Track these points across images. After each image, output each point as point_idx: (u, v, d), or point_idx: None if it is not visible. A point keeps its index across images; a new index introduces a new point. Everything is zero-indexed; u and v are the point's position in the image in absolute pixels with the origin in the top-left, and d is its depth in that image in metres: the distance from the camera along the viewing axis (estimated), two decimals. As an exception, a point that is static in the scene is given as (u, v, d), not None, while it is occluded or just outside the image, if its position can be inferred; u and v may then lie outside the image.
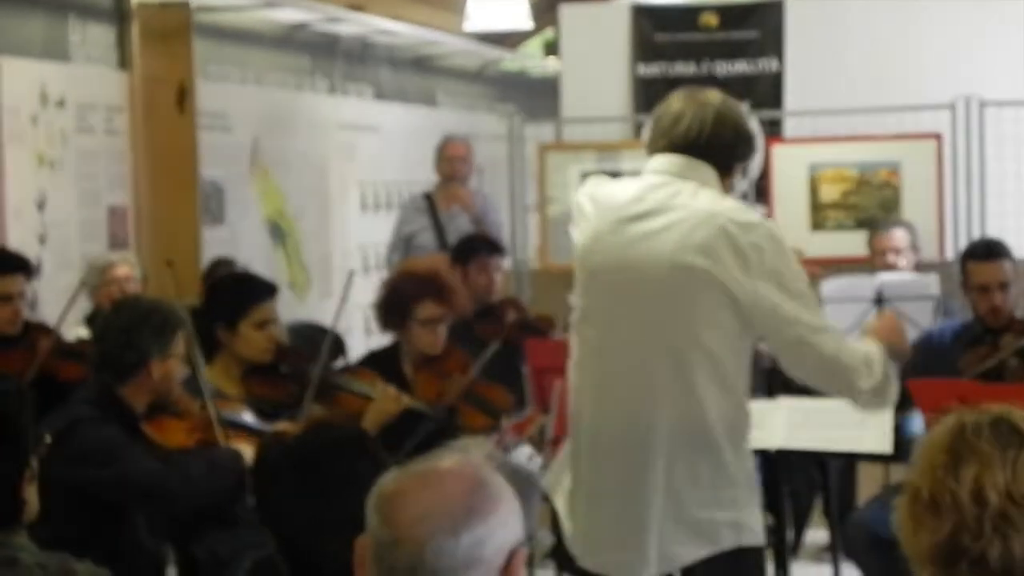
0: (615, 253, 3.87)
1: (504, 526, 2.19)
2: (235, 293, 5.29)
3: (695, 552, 3.82)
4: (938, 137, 8.32)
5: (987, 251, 6.05)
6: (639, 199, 3.87)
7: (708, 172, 3.90)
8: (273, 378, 5.24)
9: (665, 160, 3.92)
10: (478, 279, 6.92)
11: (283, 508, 3.05)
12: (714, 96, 3.98)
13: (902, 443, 5.11)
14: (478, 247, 7.08)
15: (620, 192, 3.93)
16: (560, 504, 4.05)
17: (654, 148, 3.96)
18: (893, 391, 3.86)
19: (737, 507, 3.83)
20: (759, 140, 4.03)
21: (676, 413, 3.79)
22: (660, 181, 3.89)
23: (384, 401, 5.22)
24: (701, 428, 3.79)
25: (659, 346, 3.81)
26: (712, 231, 3.77)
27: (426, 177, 8.69)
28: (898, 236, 7.40)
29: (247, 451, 4.58)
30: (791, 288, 3.77)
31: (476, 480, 2.20)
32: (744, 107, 9.11)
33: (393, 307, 5.61)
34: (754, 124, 4.02)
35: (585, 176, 8.67)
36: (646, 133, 4.01)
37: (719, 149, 3.92)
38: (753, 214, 3.93)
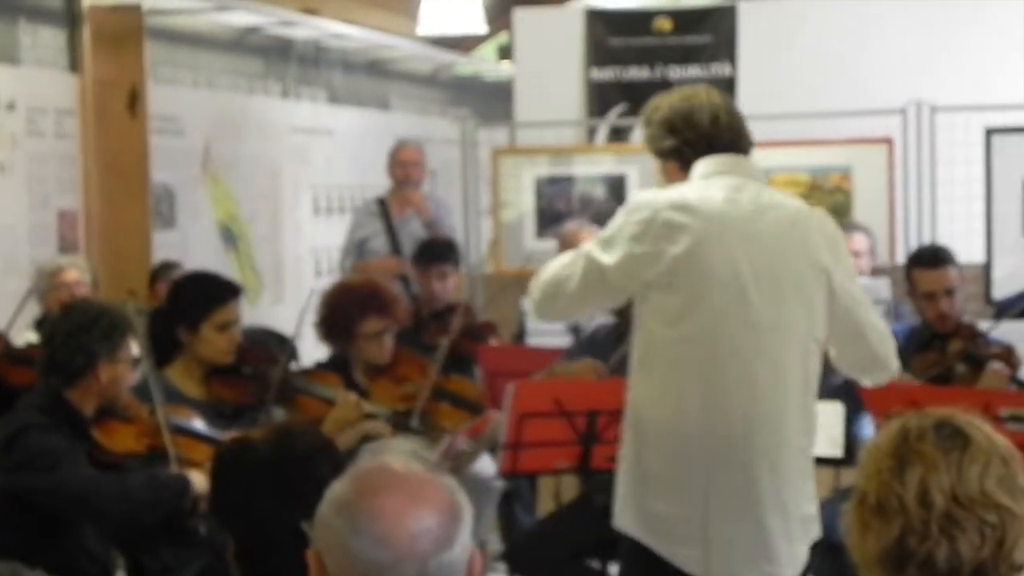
0: (735, 256, 3.77)
1: (469, 527, 2.21)
2: (197, 294, 5.21)
3: (805, 548, 3.83)
4: (889, 142, 8.36)
5: (932, 258, 6.08)
6: (733, 201, 3.81)
7: (757, 168, 3.95)
8: (235, 380, 5.20)
9: (727, 160, 3.88)
10: (437, 285, 6.92)
11: (248, 514, 3.03)
12: (715, 92, 4.01)
13: (852, 447, 5.13)
14: (439, 253, 7.06)
15: (712, 197, 3.81)
16: (664, 531, 3.84)
17: (701, 149, 3.89)
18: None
19: (814, 500, 3.86)
20: None
21: (800, 412, 3.80)
22: (737, 182, 3.85)
23: (344, 408, 5.19)
24: (807, 424, 3.84)
25: (792, 345, 3.79)
26: (815, 227, 3.86)
27: (379, 181, 8.66)
28: (858, 240, 7.42)
29: (199, 479, 4.52)
30: (852, 270, 3.97)
31: (447, 486, 2.20)
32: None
33: (336, 326, 5.51)
34: None
35: (539, 180, 8.69)
36: (639, 134, 4.01)
37: (747, 144, 3.96)
38: None
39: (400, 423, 5.32)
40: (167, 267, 7.56)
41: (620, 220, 3.87)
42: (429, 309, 6.92)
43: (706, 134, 3.87)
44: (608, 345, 5.48)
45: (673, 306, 3.78)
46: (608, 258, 3.84)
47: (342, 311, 5.50)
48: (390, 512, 2.15)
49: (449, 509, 2.18)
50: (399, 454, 2.23)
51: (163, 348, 5.12)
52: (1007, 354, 5.95)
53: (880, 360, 3.92)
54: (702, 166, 3.87)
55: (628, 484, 3.87)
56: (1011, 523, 2.25)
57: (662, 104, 3.96)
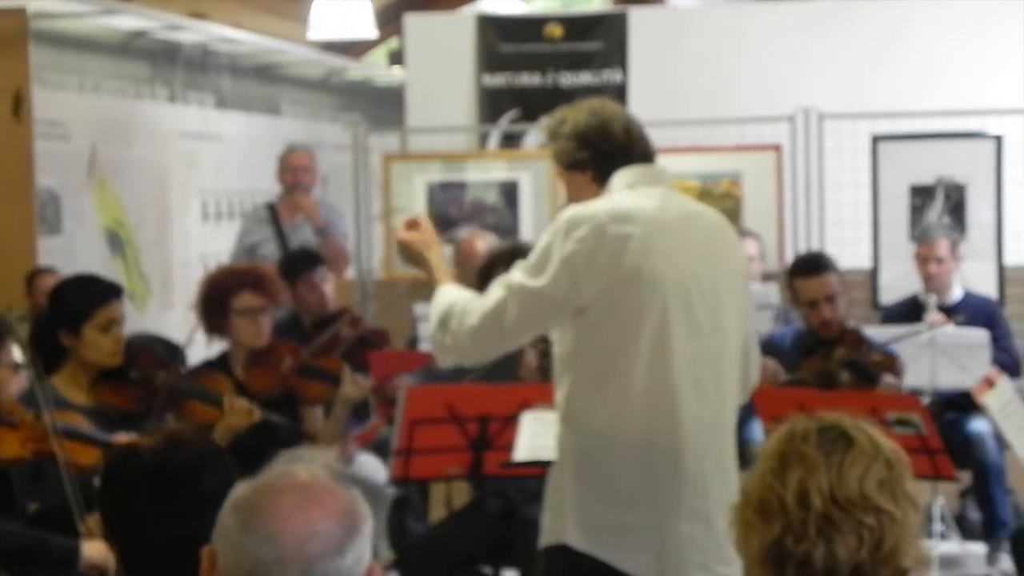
0: (676, 263, 3.77)
1: (369, 542, 2.19)
2: (77, 297, 5.12)
3: None
4: (778, 149, 8.44)
5: (811, 266, 6.14)
6: (664, 210, 3.82)
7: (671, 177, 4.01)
8: (122, 385, 5.14)
9: (648, 170, 3.90)
10: (310, 297, 6.85)
11: (137, 522, 2.98)
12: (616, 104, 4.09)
13: (744, 451, 5.16)
14: (300, 265, 7.00)
15: (645, 207, 3.80)
16: (613, 541, 3.79)
17: (618, 160, 3.88)
18: None
19: None
20: None
21: (736, 413, 3.90)
22: (661, 192, 3.87)
23: (234, 415, 5.15)
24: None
25: (731, 349, 3.85)
26: (734, 234, 4.04)
27: (269, 187, 8.59)
28: (748, 245, 7.48)
29: (95, 549, 4.38)
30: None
31: (348, 497, 2.19)
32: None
33: (211, 301, 5.54)
34: None
35: (431, 186, 8.66)
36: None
37: (654, 153, 3.99)
38: None
39: (294, 429, 5.34)
40: (42, 272, 7.48)
41: (554, 240, 3.77)
42: (312, 319, 6.86)
43: (622, 145, 3.87)
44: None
45: (619, 314, 3.76)
46: (546, 282, 3.75)
47: (218, 286, 5.57)
48: (281, 512, 2.14)
49: (344, 518, 2.16)
50: (310, 463, 2.23)
51: (49, 356, 5.03)
52: (891, 362, 6.02)
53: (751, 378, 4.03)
54: (624, 177, 3.85)
55: (570, 495, 3.80)
56: (890, 526, 2.26)
57: (568, 117, 3.93)
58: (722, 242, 3.91)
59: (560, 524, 3.81)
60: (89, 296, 5.10)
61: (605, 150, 3.87)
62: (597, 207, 3.80)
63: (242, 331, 5.50)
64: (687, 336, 3.77)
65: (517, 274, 3.81)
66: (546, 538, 3.85)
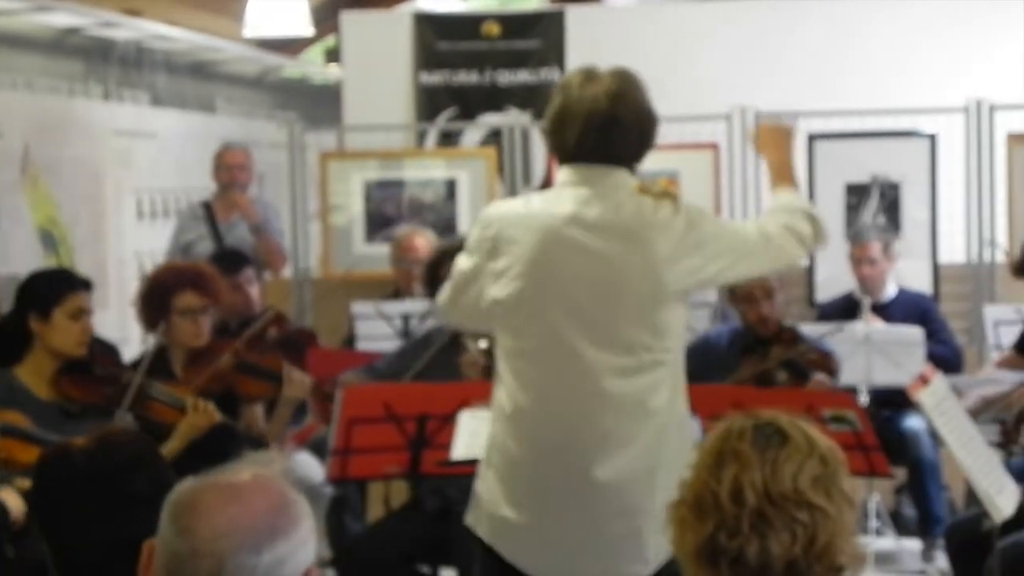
0: (570, 271, 3.73)
1: (303, 546, 2.17)
2: (48, 282, 5.18)
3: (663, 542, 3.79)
4: (715, 147, 8.46)
5: None
6: (577, 215, 3.75)
7: (622, 179, 3.85)
8: (86, 379, 5.13)
9: (585, 171, 3.79)
10: (235, 298, 6.79)
11: (68, 524, 2.95)
12: (610, 91, 3.85)
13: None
14: (224, 266, 6.92)
15: (555, 211, 3.76)
16: (505, 537, 3.79)
17: (565, 154, 3.82)
18: None
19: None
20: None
21: (644, 420, 3.77)
22: (588, 195, 3.77)
23: (197, 416, 5.17)
24: (655, 430, 3.80)
25: (630, 358, 3.76)
26: (671, 239, 3.80)
27: (204, 185, 8.53)
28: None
29: (13, 501, 4.40)
30: (725, 245, 3.92)
31: (280, 498, 2.17)
32: (527, 117, 9.19)
33: (153, 298, 5.52)
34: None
35: (368, 184, 8.63)
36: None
37: (625, 152, 3.85)
38: None
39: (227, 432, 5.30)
40: None
41: (475, 232, 3.83)
42: (237, 320, 6.81)
43: (573, 141, 3.76)
44: (443, 356, 5.46)
45: (513, 319, 3.76)
46: (466, 267, 3.83)
47: (161, 283, 5.56)
48: (202, 507, 2.14)
49: (269, 518, 2.15)
50: (265, 465, 2.23)
51: (12, 349, 5.02)
52: (825, 360, 6.06)
53: (804, 248, 3.96)
54: (562, 174, 3.82)
55: (481, 484, 3.84)
56: (824, 523, 2.27)
57: (555, 97, 3.82)
58: (633, 252, 3.71)
59: (474, 513, 3.83)
60: (60, 282, 5.17)
61: (558, 142, 3.82)
62: (508, 206, 3.85)
63: (182, 330, 5.48)
64: (576, 344, 3.71)
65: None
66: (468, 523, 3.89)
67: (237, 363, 5.50)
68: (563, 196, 3.76)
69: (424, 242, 7.27)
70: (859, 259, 7.24)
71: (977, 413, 5.29)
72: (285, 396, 5.55)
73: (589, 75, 3.78)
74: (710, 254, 3.76)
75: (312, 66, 14.55)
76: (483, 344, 5.11)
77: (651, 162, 9.05)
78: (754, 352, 6.03)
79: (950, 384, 4.97)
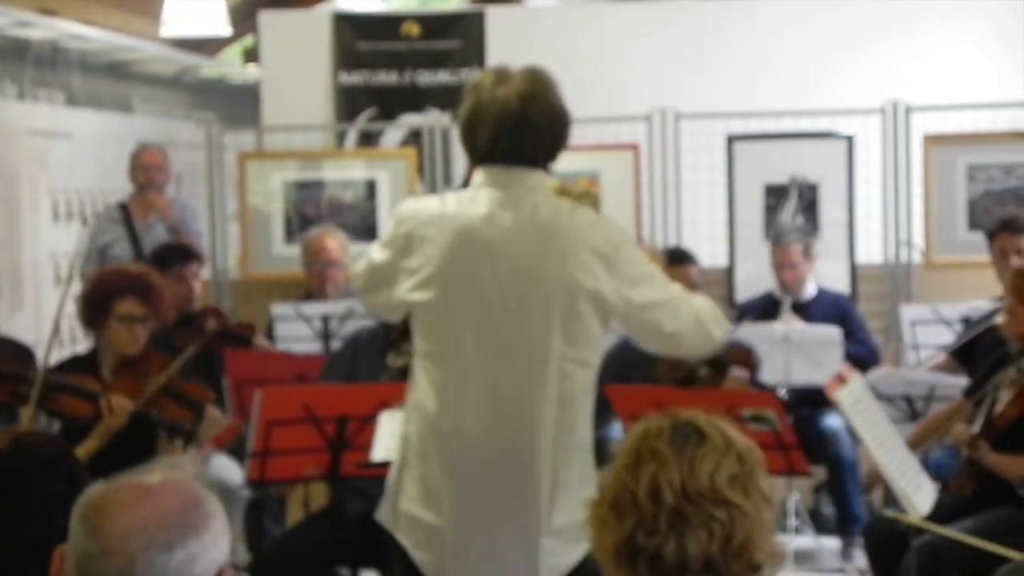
0: (480, 274, 3.70)
1: (215, 545, 2.16)
2: None
3: (573, 557, 3.74)
4: (635, 148, 8.48)
5: (673, 257, 6.26)
6: (492, 217, 3.73)
7: (538, 181, 3.81)
8: None
9: (500, 173, 3.76)
10: (176, 289, 6.74)
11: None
12: (520, 91, 3.79)
13: (603, 450, 5.17)
14: (172, 256, 6.91)
15: (469, 213, 3.73)
16: (417, 537, 3.76)
17: (478, 156, 3.78)
18: None
19: (572, 512, 3.68)
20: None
21: (554, 430, 3.71)
22: (503, 197, 3.75)
23: (112, 417, 5.18)
24: (565, 442, 3.74)
25: (542, 365, 3.70)
26: (584, 245, 3.74)
27: (121, 186, 8.44)
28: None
29: None
30: (641, 275, 3.86)
31: (191, 496, 2.17)
32: (447, 117, 9.15)
33: (95, 300, 5.49)
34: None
35: (287, 185, 8.58)
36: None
37: (541, 152, 3.82)
38: None
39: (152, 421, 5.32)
40: None
41: (390, 228, 3.81)
42: (176, 314, 6.75)
43: (484, 143, 3.72)
44: (372, 353, 5.43)
45: (424, 321, 3.74)
46: (380, 260, 3.80)
47: (104, 286, 5.51)
48: (112, 506, 2.14)
49: (180, 516, 2.14)
50: (181, 468, 2.23)
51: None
52: (747, 356, 6.09)
53: (699, 343, 3.88)
54: (477, 176, 3.78)
55: (394, 483, 3.82)
56: (741, 521, 2.27)
57: (467, 98, 3.78)
58: (548, 256, 3.67)
59: (388, 511, 3.81)
60: None
61: (470, 146, 3.79)
62: (423, 205, 3.81)
63: (118, 336, 5.44)
64: (483, 349, 3.68)
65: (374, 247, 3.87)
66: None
67: (164, 386, 5.42)
68: (478, 197, 3.73)
69: (335, 244, 7.22)
70: (780, 263, 7.28)
71: (916, 445, 5.34)
72: (201, 432, 5.45)
73: (500, 75, 3.75)
74: (625, 277, 3.72)
75: (230, 66, 14.45)
76: None
77: (571, 162, 9.13)
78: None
79: (868, 382, 5.01)
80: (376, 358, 5.38)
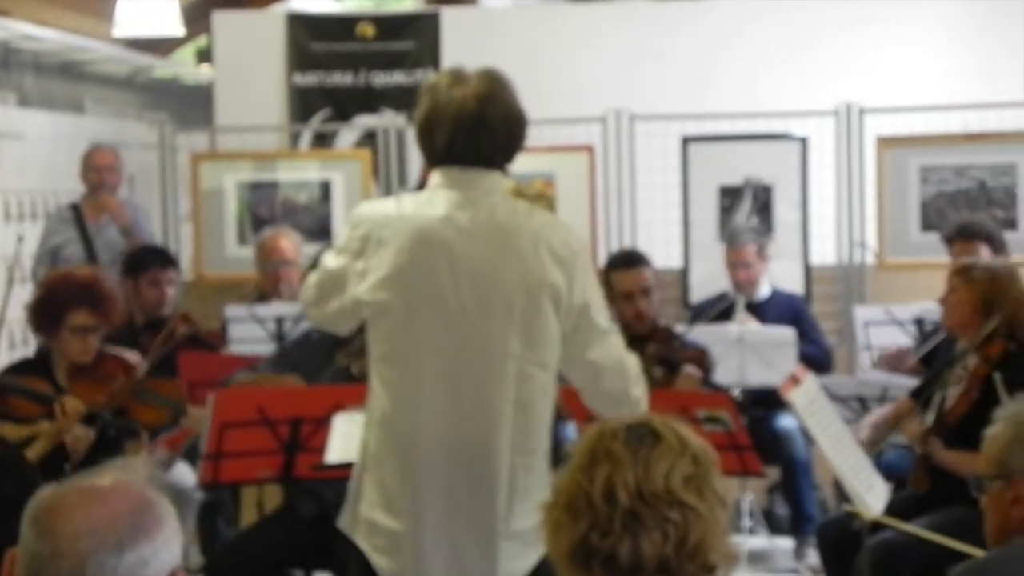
0: (440, 276, 3.67)
1: (167, 547, 2.16)
2: None
3: (530, 561, 3.73)
4: (590, 149, 8.49)
5: (627, 260, 6.26)
6: (450, 218, 3.71)
7: (496, 182, 3.79)
8: None
9: (458, 174, 3.74)
10: (149, 293, 6.69)
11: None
12: (479, 91, 3.77)
13: (558, 451, 5.17)
14: (150, 260, 6.84)
15: (427, 214, 3.71)
16: (377, 542, 3.74)
17: (435, 157, 3.75)
18: None
19: (533, 516, 3.72)
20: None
21: (514, 433, 3.69)
22: (462, 198, 3.73)
23: (65, 420, 5.15)
24: (526, 445, 3.73)
25: (502, 367, 3.68)
26: (543, 247, 3.71)
27: (73, 187, 8.39)
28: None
29: None
30: (592, 295, 3.81)
31: (142, 499, 2.17)
32: (402, 118, 9.13)
33: (46, 311, 5.45)
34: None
35: (241, 186, 8.54)
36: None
37: (498, 154, 3.79)
38: None
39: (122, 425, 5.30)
40: None
41: (345, 231, 3.78)
42: (146, 318, 6.71)
43: (442, 144, 3.70)
44: (321, 351, 5.41)
45: (380, 324, 3.72)
46: (333, 267, 3.77)
47: (56, 296, 5.45)
48: (62, 508, 2.14)
49: (131, 518, 2.14)
50: (133, 470, 2.22)
51: None
52: (700, 357, 6.11)
53: (612, 389, 3.81)
54: (435, 177, 3.76)
55: (355, 489, 3.80)
56: (696, 522, 2.28)
57: (423, 99, 3.76)
58: (507, 257, 3.66)
59: (349, 517, 3.80)
60: None
61: (427, 146, 3.78)
62: (380, 207, 3.79)
63: (70, 346, 5.41)
64: (444, 351, 3.66)
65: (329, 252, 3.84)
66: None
67: (133, 387, 5.39)
68: (435, 199, 3.73)
69: (289, 244, 7.19)
70: (735, 263, 7.31)
71: (874, 443, 5.37)
72: (56, 428, 5.30)
73: (456, 77, 3.75)
74: (575, 290, 3.71)
75: (183, 66, 14.38)
76: None
77: (527, 164, 9.11)
78: (630, 350, 6.05)
79: (822, 384, 5.03)
80: (324, 356, 5.36)
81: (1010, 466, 3.25)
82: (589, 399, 3.86)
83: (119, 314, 5.69)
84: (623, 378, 3.80)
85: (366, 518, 3.75)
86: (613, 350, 3.81)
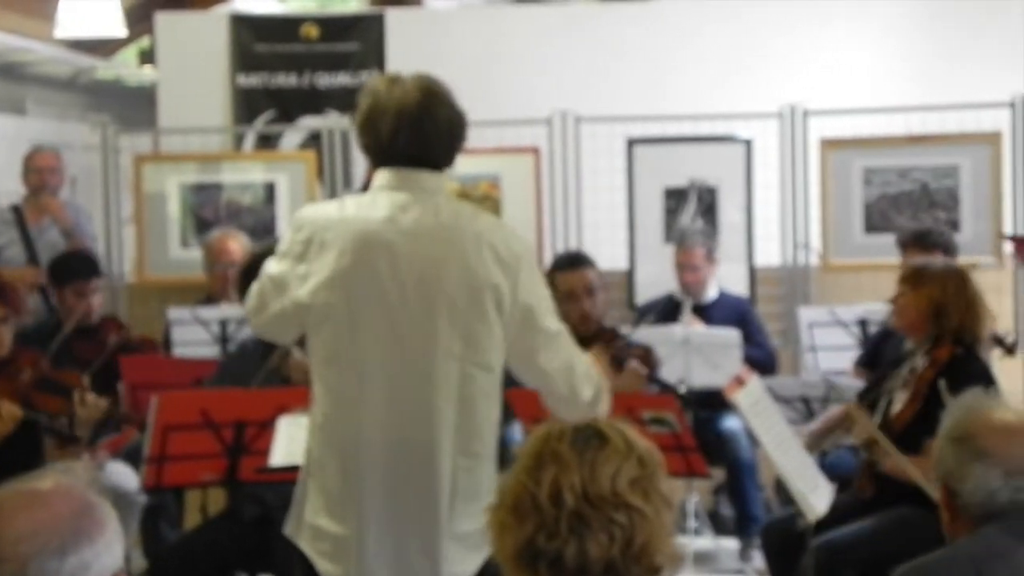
0: (382, 278, 3.67)
1: (108, 551, 2.16)
2: None
3: (474, 564, 3.72)
4: (536, 151, 8.49)
5: (571, 261, 6.27)
6: (393, 220, 3.70)
7: (439, 183, 3.80)
8: None
9: (401, 175, 3.74)
10: (76, 304, 6.61)
11: None
12: (421, 91, 3.79)
13: (504, 453, 5.16)
14: (74, 271, 6.73)
15: (370, 216, 3.71)
16: (321, 547, 3.73)
17: (378, 155, 3.77)
18: None
19: (476, 518, 3.68)
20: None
21: (456, 434, 3.68)
22: (405, 200, 3.73)
23: (2, 421, 5.10)
24: (468, 446, 3.71)
25: (445, 368, 3.67)
26: (486, 249, 3.72)
27: (14, 188, 8.31)
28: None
29: None
30: (537, 296, 3.82)
31: (84, 502, 2.17)
32: (347, 120, 9.10)
33: None
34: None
35: (184, 187, 8.49)
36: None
37: (442, 154, 3.80)
38: None
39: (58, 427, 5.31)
40: None
41: (287, 235, 3.77)
42: (76, 325, 6.64)
43: (386, 142, 3.71)
44: (255, 357, 5.38)
45: (324, 327, 3.70)
46: (276, 269, 3.75)
47: None
48: (3, 511, 2.14)
49: (73, 522, 2.13)
50: (72, 473, 2.22)
51: None
52: (646, 355, 6.11)
53: (565, 393, 3.80)
54: (378, 178, 3.77)
55: (300, 494, 3.78)
56: (642, 524, 2.28)
57: (364, 100, 3.77)
58: (451, 258, 3.66)
59: (294, 522, 3.78)
60: None
61: (369, 142, 3.77)
62: (323, 209, 3.78)
63: None
64: (387, 352, 3.66)
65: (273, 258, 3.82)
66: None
67: (36, 379, 5.36)
68: (378, 200, 3.73)
69: (238, 246, 7.16)
70: (683, 265, 7.33)
71: (814, 446, 5.38)
72: (79, 418, 5.39)
73: (394, 80, 3.78)
74: (520, 293, 3.71)
75: (126, 68, 14.28)
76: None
77: (472, 165, 9.11)
78: (578, 351, 6.05)
79: (767, 386, 5.05)
80: (258, 360, 5.34)
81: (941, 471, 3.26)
82: (546, 402, 3.87)
83: (26, 304, 5.66)
84: (573, 380, 3.80)
85: (310, 523, 3.74)
86: (562, 353, 3.80)
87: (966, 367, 5.05)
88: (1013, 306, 7.90)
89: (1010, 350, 5.31)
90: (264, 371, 5.18)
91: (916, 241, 6.74)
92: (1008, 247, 7.59)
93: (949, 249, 6.72)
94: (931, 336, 5.15)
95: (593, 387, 3.83)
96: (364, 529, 3.69)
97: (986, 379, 4.94)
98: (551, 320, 3.80)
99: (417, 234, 3.68)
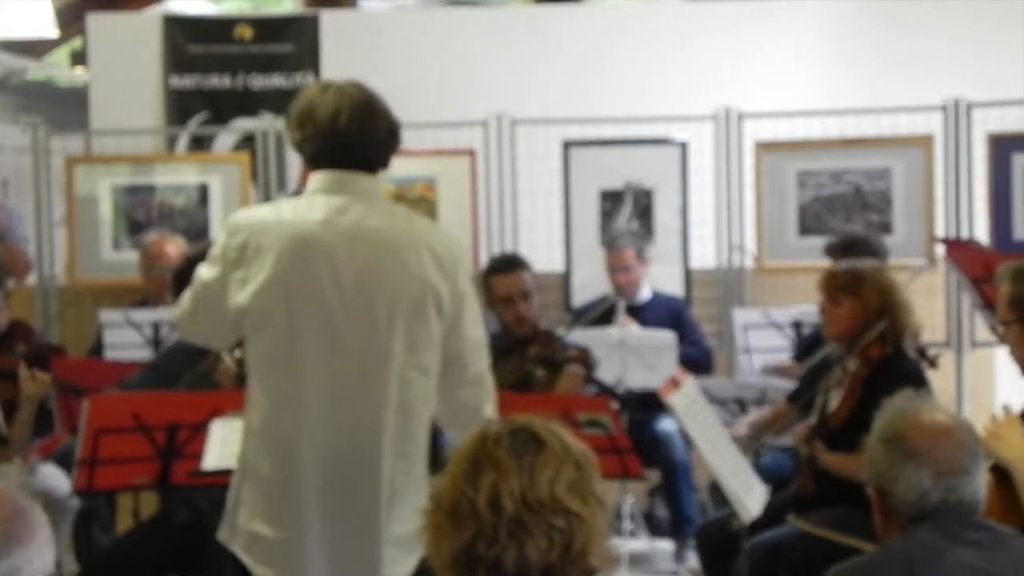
0: (320, 281, 3.67)
1: (40, 556, 2.14)
2: None
3: (409, 566, 3.71)
4: (472, 153, 8.48)
5: (506, 264, 6.27)
6: (330, 223, 3.70)
7: (375, 186, 3.81)
8: None
9: (337, 177, 3.74)
10: None
11: None
12: (357, 95, 3.85)
13: (438, 456, 5.14)
14: None
15: (307, 219, 3.70)
16: (256, 552, 3.71)
17: (314, 154, 3.76)
18: None
19: (410, 520, 3.64)
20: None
21: (394, 438, 3.68)
22: (341, 203, 3.72)
23: None
24: (404, 450, 3.71)
25: (385, 372, 3.67)
26: (424, 252, 3.74)
27: (-57, 190, 8.22)
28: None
29: None
30: (469, 303, 3.84)
31: (14, 507, 2.14)
32: (281, 122, 9.05)
33: None
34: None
35: (117, 189, 8.42)
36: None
37: (378, 156, 3.82)
38: None
39: None
40: None
41: (221, 240, 3.74)
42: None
43: (320, 145, 3.72)
44: (185, 357, 5.34)
45: (260, 331, 3.68)
46: (208, 275, 3.73)
47: None
48: None
49: (3, 526, 2.11)
50: (9, 478, 2.18)
51: None
52: (583, 356, 6.13)
53: (472, 405, 3.82)
54: (313, 181, 3.76)
55: (233, 499, 3.76)
56: (579, 527, 2.28)
57: (297, 105, 3.78)
58: (389, 261, 3.66)
59: (228, 527, 3.76)
60: None
61: (299, 138, 3.76)
62: (258, 213, 3.77)
63: None
64: (325, 356, 3.64)
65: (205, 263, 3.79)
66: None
67: None
68: (315, 203, 3.71)
69: (174, 249, 7.12)
70: (614, 267, 7.36)
71: (750, 440, 5.40)
72: (25, 394, 5.39)
73: (326, 86, 3.80)
74: (456, 298, 3.73)
75: (58, 69, 14.17)
76: (237, 353, 5.02)
77: (408, 168, 9.08)
78: (512, 354, 6.05)
79: (702, 387, 5.06)
80: (188, 361, 5.30)
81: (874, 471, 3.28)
82: (445, 408, 3.84)
83: None
84: (482, 394, 3.83)
85: (245, 529, 3.71)
86: (482, 363, 3.83)
87: (897, 366, 5.09)
88: (945, 308, 7.97)
89: (932, 363, 5.34)
90: (194, 373, 5.14)
91: (845, 251, 6.73)
92: (940, 250, 7.65)
93: (879, 255, 6.73)
94: (867, 339, 5.15)
95: (493, 405, 3.85)
96: (301, 533, 3.67)
97: (917, 378, 4.97)
98: (476, 329, 3.83)
99: (355, 237, 3.67)
